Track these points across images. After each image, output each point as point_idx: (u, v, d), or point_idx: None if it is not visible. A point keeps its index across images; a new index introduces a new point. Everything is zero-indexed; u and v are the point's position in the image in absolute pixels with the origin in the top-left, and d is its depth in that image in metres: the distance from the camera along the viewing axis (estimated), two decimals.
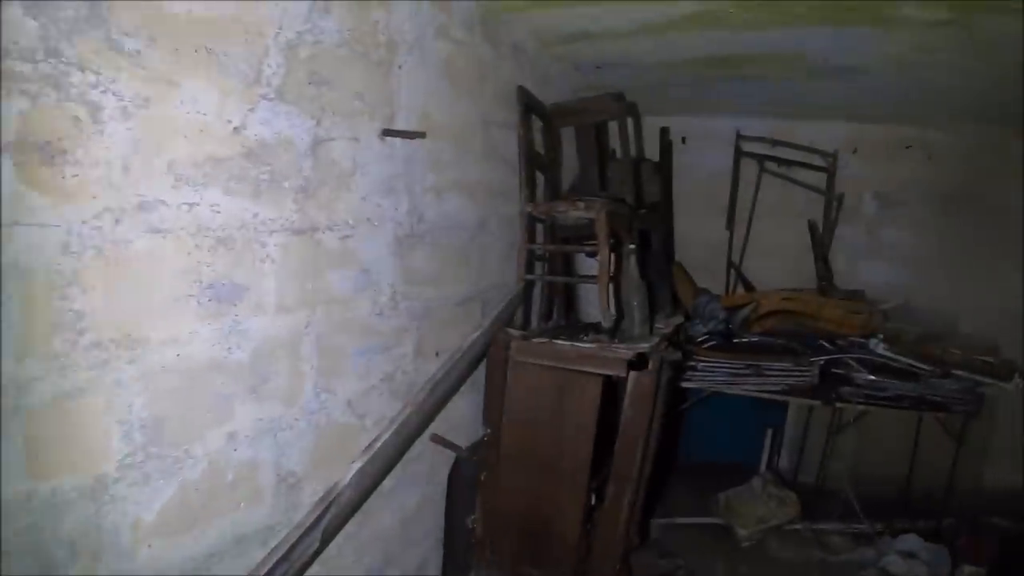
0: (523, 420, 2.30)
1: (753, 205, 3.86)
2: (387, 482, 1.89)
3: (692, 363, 3.22)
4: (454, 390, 2.18)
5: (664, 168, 3.77)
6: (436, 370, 2.01)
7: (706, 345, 3.42)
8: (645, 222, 3.17)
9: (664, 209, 3.69)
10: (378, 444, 1.72)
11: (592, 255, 2.50)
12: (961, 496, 3.37)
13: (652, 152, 3.86)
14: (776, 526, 3.34)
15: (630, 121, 2.93)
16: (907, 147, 3.79)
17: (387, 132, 1.74)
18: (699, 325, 3.41)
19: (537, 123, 2.78)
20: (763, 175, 3.85)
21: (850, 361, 3.14)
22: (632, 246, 2.45)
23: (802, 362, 3.13)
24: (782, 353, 3.20)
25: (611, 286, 2.36)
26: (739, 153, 3.87)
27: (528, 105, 2.61)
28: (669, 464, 3.60)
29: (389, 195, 1.78)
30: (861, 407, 3.18)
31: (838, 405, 3.17)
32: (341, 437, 1.68)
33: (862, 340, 3.15)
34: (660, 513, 3.40)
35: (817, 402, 3.25)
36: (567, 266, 2.94)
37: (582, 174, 3.17)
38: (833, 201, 3.79)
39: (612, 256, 2.32)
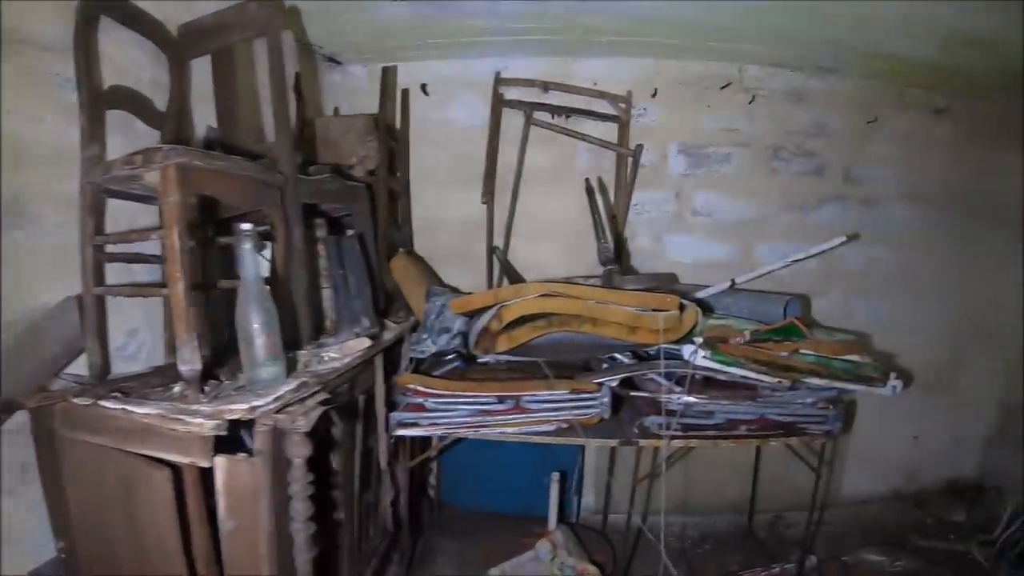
0: (94, 532, 1.42)
1: (519, 170, 2.85)
2: None
3: (410, 400, 2.18)
4: None
5: (384, 123, 2.72)
6: None
7: (440, 371, 2.40)
8: (328, 197, 2.13)
9: (381, 178, 2.62)
10: None
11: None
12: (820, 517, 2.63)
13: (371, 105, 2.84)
14: None
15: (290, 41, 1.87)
16: (723, 87, 2.89)
17: None
18: (427, 341, 2.37)
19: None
20: (532, 129, 2.85)
21: (656, 378, 2.16)
22: (247, 228, 1.41)
23: (585, 387, 2.15)
24: (568, 372, 2.22)
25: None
26: (499, 102, 2.85)
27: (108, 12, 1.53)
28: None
29: None
30: (676, 442, 2.21)
31: (641, 443, 2.19)
32: None
33: (673, 348, 2.16)
34: None
35: (612, 441, 2.27)
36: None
37: (222, 124, 2.08)
38: (628, 158, 2.84)
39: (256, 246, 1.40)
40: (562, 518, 2.85)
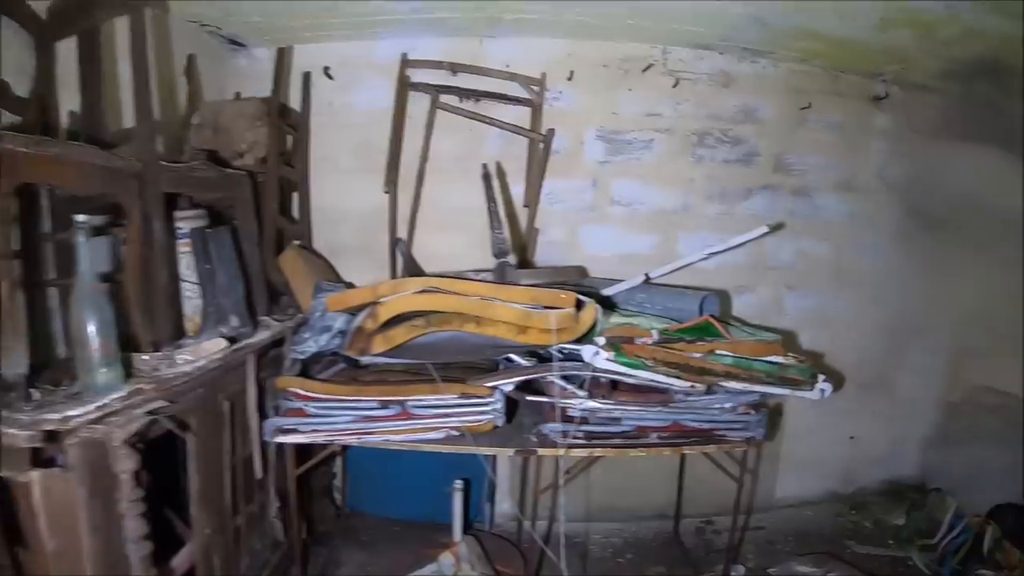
0: None
1: (424, 157, 2.65)
2: None
3: (291, 404, 1.99)
4: None
5: (277, 107, 2.50)
6: None
7: (327, 372, 2.21)
8: (198, 186, 1.94)
9: (272, 167, 2.42)
10: None
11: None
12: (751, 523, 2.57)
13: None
14: None
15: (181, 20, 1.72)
16: (644, 70, 2.71)
17: None
18: (309, 340, 2.17)
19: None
20: (439, 114, 2.65)
21: (557, 381, 1.97)
22: (82, 220, 1.35)
23: (476, 391, 1.96)
24: (463, 374, 2.02)
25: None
26: (405, 85, 2.64)
27: None
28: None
29: None
30: (580, 453, 2.02)
31: (539, 453, 2.00)
32: None
33: (573, 348, 1.97)
34: None
35: (507, 451, 2.09)
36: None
37: (86, 109, 1.88)
38: (539, 144, 2.66)
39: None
40: (472, 526, 2.66)
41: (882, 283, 3.03)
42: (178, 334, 1.82)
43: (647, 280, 2.33)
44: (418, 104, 2.67)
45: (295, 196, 2.71)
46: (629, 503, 2.95)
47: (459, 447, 1.96)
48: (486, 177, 2.31)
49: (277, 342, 2.19)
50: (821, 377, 2.02)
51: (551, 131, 2.63)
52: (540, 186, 2.65)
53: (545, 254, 2.73)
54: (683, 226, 2.81)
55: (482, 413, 1.94)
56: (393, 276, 2.65)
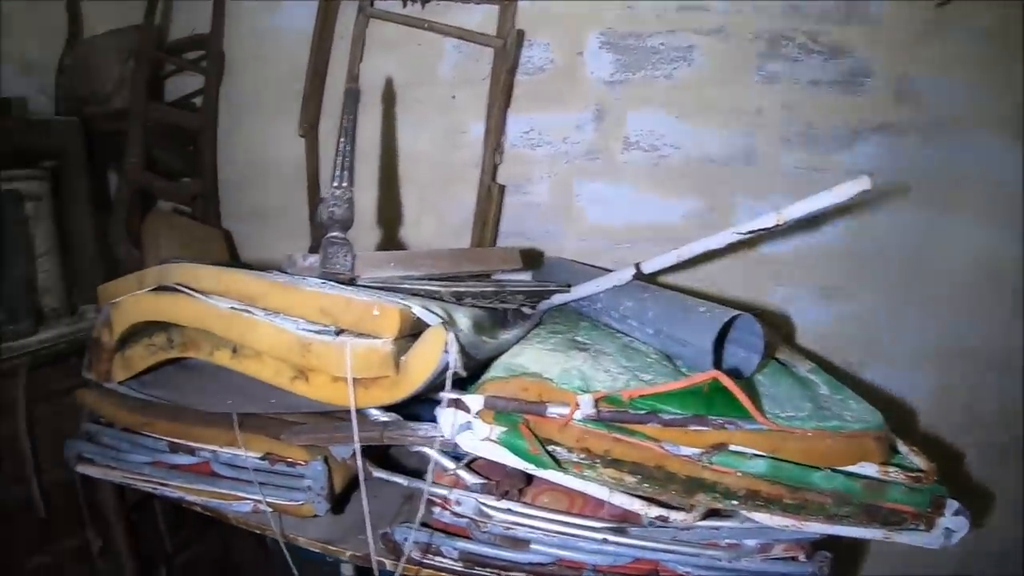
0: None
1: (353, 83, 1.84)
2: None
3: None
4: None
5: (150, 34, 1.87)
6: None
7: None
8: None
9: (138, 109, 1.81)
10: None
11: None
12: None
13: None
14: None
15: None
16: None
17: None
18: None
19: None
20: (372, 24, 1.82)
21: (429, 453, 1.01)
22: None
23: (285, 452, 1.11)
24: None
25: None
26: None
27: None
28: None
29: None
30: None
31: (388, 565, 1.06)
32: None
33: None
34: None
35: (337, 549, 1.17)
36: None
37: None
38: (508, 54, 1.76)
39: None
40: None
41: None
42: None
43: (638, 274, 1.32)
44: (344, 18, 1.88)
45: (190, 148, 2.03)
46: None
47: (270, 532, 1.13)
48: (349, 94, 1.37)
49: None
50: (951, 505, 0.96)
51: (518, 32, 1.73)
52: (503, 118, 1.75)
53: (518, 225, 1.83)
54: (743, 185, 1.81)
55: (291, 489, 1.13)
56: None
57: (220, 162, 2.04)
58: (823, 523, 0.97)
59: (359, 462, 1.03)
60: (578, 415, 0.96)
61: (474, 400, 0.99)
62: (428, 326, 0.99)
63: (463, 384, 1.01)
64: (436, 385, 1.00)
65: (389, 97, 1.84)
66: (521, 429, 0.98)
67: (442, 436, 1.01)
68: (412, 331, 1.00)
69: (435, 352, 0.96)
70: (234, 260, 2.00)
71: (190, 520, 1.92)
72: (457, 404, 0.99)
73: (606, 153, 1.81)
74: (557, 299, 1.43)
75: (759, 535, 1.02)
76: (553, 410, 0.98)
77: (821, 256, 1.83)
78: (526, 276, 1.66)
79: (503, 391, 1.01)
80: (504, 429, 0.98)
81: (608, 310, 1.38)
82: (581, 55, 1.80)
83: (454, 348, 0.95)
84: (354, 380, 0.99)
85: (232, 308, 1.02)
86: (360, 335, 1.00)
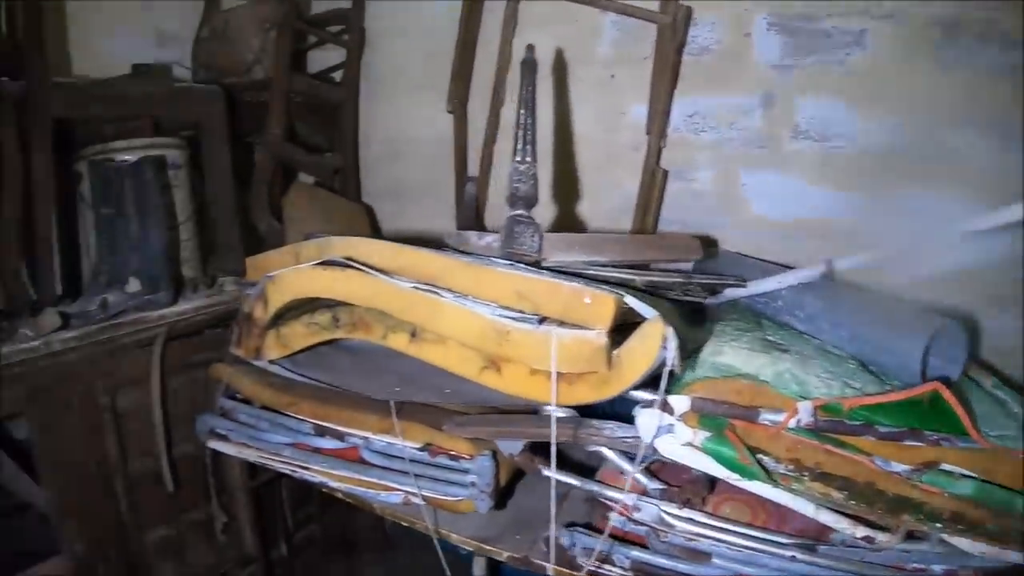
0: None
1: (504, 61, 1.79)
2: None
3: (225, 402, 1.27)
4: None
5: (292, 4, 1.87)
6: None
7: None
8: (113, 106, 1.50)
9: (280, 80, 1.81)
10: None
11: None
12: None
13: None
14: None
15: None
16: None
17: None
18: None
19: None
20: (523, 1, 1.77)
21: (607, 454, 0.99)
22: None
23: (448, 444, 1.09)
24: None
25: None
26: None
27: None
28: None
29: None
30: None
31: (549, 570, 1.02)
32: None
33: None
34: None
35: (493, 550, 1.10)
36: None
37: None
38: (669, 33, 1.68)
39: None
40: None
41: None
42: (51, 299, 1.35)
43: (828, 273, 1.24)
44: None
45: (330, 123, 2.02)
46: None
47: (419, 522, 1.12)
48: (527, 64, 1.32)
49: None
50: None
51: (686, 9, 1.65)
52: (668, 101, 1.67)
53: (679, 213, 1.75)
54: (922, 179, 1.69)
55: (451, 483, 1.09)
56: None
57: (360, 137, 2.03)
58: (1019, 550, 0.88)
59: (552, 464, 0.98)
60: (792, 423, 0.89)
61: (680, 401, 0.93)
62: (639, 318, 0.92)
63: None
64: None
65: (554, 72, 1.79)
66: (728, 435, 0.91)
67: (638, 439, 0.95)
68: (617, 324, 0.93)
69: (653, 348, 0.88)
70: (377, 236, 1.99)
71: (314, 499, 1.93)
72: (663, 406, 0.93)
73: (774, 141, 1.71)
74: (729, 293, 1.36)
75: (947, 560, 0.92)
76: (766, 416, 0.90)
77: (994, 263, 1.71)
78: (687, 267, 1.59)
79: (713, 393, 0.93)
80: (709, 434, 0.91)
81: (792, 308, 1.29)
82: (749, 36, 1.70)
83: (673, 344, 0.87)
84: (557, 374, 0.92)
85: (415, 287, 0.97)
86: (565, 324, 0.93)
